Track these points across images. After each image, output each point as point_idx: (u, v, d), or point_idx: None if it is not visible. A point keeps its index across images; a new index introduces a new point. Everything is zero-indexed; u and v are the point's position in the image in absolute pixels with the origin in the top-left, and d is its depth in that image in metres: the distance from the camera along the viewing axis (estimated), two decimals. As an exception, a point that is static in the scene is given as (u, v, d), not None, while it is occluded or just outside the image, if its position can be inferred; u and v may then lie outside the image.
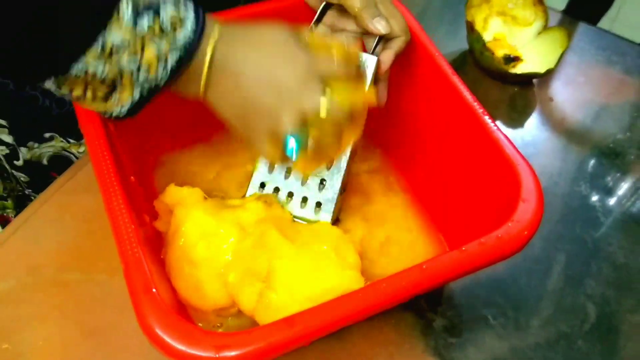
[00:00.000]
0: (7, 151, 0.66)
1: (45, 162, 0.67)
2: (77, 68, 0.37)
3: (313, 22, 0.51)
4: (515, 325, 0.53)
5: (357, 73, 0.46)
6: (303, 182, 0.52)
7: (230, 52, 0.41)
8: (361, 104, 0.46)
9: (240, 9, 0.55)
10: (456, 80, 0.50)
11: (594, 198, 0.64)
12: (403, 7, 0.53)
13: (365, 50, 0.50)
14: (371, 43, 0.50)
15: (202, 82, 0.41)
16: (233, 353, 0.33)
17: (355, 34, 0.52)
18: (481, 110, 0.48)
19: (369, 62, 0.49)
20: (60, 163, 0.67)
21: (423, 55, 0.53)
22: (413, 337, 0.51)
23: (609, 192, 0.65)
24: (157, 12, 0.38)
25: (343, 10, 0.50)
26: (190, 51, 0.39)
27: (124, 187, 0.41)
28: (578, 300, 0.56)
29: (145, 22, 0.37)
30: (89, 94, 0.39)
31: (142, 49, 0.38)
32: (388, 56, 0.50)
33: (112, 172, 0.41)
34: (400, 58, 0.52)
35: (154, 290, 0.35)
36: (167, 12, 0.38)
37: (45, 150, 0.66)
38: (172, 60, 0.39)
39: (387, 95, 0.53)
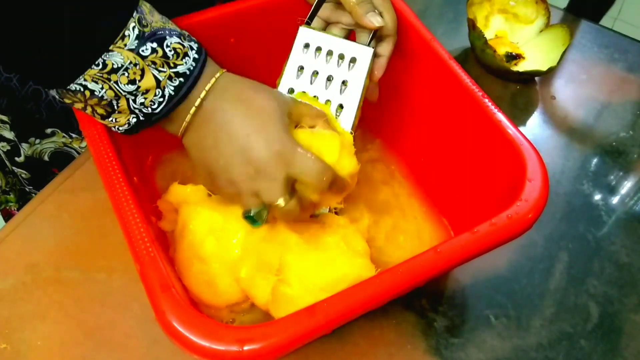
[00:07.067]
0: (8, 147, 0.66)
1: (46, 158, 0.67)
2: (74, 86, 0.37)
3: (308, 16, 0.51)
4: (517, 325, 0.53)
5: (335, 183, 0.44)
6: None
7: (219, 104, 0.41)
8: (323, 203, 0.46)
9: (237, 2, 0.54)
10: (453, 64, 0.50)
11: (597, 197, 0.64)
12: None
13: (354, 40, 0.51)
14: (365, 37, 0.50)
15: (184, 125, 0.42)
16: (257, 346, 0.33)
17: (349, 27, 0.52)
18: (481, 93, 0.48)
19: (365, 54, 0.49)
20: (62, 159, 0.67)
21: (418, 41, 0.53)
22: (414, 337, 0.51)
23: (611, 190, 0.65)
24: (161, 41, 0.39)
25: (338, 4, 0.50)
26: (190, 82, 0.40)
27: (131, 187, 0.40)
28: (580, 299, 0.55)
29: (148, 47, 0.38)
30: (88, 110, 0.40)
31: (142, 75, 0.38)
32: (381, 64, 0.51)
33: (118, 173, 0.41)
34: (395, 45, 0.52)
35: (172, 288, 0.35)
36: (172, 42, 0.39)
37: (47, 146, 0.66)
38: (169, 87, 0.39)
39: (384, 83, 0.53)
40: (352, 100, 0.49)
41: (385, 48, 0.51)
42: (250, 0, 0.55)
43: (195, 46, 0.41)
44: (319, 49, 0.50)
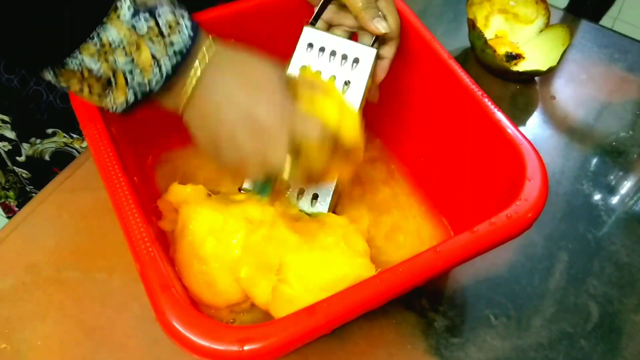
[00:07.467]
0: (10, 147, 0.66)
1: (47, 158, 0.67)
2: (72, 62, 0.37)
3: (312, 18, 0.51)
4: (517, 325, 0.53)
5: (339, 145, 0.45)
6: None
7: (218, 76, 0.41)
8: (329, 172, 0.46)
9: (237, 2, 0.54)
10: (453, 64, 0.50)
11: (597, 197, 0.64)
12: None
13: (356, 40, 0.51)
14: (368, 39, 0.51)
15: (185, 98, 0.41)
16: (257, 345, 0.33)
17: (352, 29, 0.52)
18: (480, 93, 0.48)
19: (368, 54, 0.50)
20: (63, 159, 0.67)
21: (418, 41, 0.53)
22: (414, 337, 0.51)
23: (611, 190, 0.65)
24: (154, 15, 0.38)
25: (342, 6, 0.50)
26: (185, 58, 0.39)
27: (131, 187, 0.40)
28: (580, 299, 0.55)
29: (143, 22, 0.37)
30: (85, 89, 0.39)
31: (138, 50, 0.38)
32: (384, 66, 0.51)
33: (118, 172, 0.41)
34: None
35: (172, 288, 0.35)
36: (165, 16, 0.38)
37: (48, 146, 0.66)
38: (167, 65, 0.39)
39: (384, 83, 0.53)
40: (354, 100, 0.49)
41: (388, 51, 0.51)
42: (251, 0, 0.55)
43: (187, 22, 0.40)
44: (322, 49, 0.50)
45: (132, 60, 0.38)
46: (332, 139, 0.43)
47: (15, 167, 0.69)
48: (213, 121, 0.41)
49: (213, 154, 0.43)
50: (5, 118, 0.63)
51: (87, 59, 0.37)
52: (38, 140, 0.65)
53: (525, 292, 0.55)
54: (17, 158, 0.68)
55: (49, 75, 0.39)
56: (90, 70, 0.38)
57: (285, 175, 0.42)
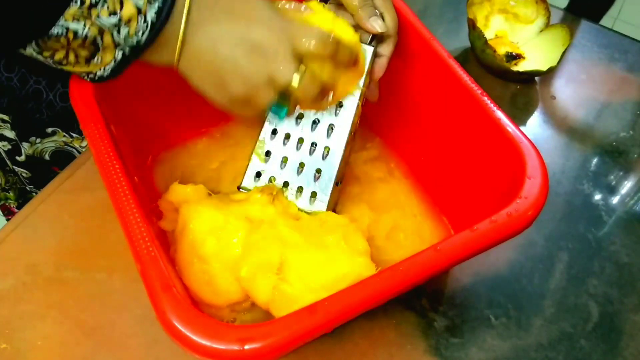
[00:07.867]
0: (9, 147, 0.66)
1: (47, 157, 0.67)
2: (56, 29, 0.37)
3: None
4: (517, 325, 0.53)
5: (340, 51, 0.45)
6: (299, 172, 0.51)
7: (207, 14, 0.41)
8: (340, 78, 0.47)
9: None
10: (453, 63, 0.50)
11: (597, 197, 0.64)
12: None
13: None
14: (366, 37, 0.50)
15: (178, 45, 0.41)
16: (258, 345, 0.33)
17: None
18: (480, 92, 0.48)
19: (366, 52, 0.49)
20: (63, 158, 0.67)
21: (418, 41, 0.53)
22: (414, 337, 0.51)
23: (612, 190, 0.65)
24: None
25: (340, 4, 0.50)
26: (168, 2, 0.39)
27: (132, 187, 0.40)
28: (581, 299, 0.55)
29: None
30: (71, 57, 0.39)
31: (122, 4, 0.37)
32: (382, 64, 0.51)
33: (119, 172, 0.41)
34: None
35: (173, 288, 0.35)
36: None
37: (47, 145, 0.66)
38: (150, 13, 0.38)
39: (384, 82, 0.53)
40: (352, 98, 0.49)
41: (386, 48, 0.51)
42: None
43: None
44: None
45: (117, 15, 0.37)
46: (332, 42, 0.43)
47: (15, 167, 0.69)
48: (211, 58, 0.41)
49: (220, 94, 0.43)
50: (5, 117, 0.63)
51: (71, 22, 0.37)
52: (38, 140, 0.65)
53: (525, 292, 0.55)
54: (17, 158, 0.68)
55: (30, 49, 0.38)
56: (75, 33, 0.37)
57: (296, 83, 0.42)
